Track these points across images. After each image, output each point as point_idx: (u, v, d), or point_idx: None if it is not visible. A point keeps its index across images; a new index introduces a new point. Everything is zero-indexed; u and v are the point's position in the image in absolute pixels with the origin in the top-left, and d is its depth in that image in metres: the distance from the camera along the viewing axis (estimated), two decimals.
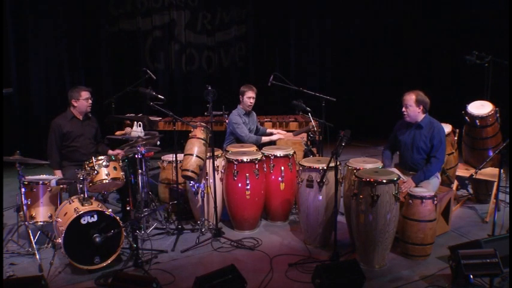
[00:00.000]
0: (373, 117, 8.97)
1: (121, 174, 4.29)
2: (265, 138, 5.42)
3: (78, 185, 3.97)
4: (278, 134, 5.58)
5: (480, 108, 4.92)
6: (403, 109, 4.31)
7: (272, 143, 5.42)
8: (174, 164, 4.62)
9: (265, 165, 4.67)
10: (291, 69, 9.21)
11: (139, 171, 4.46)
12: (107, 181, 4.18)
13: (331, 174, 4.03)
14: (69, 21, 7.86)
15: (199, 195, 4.54)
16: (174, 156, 4.60)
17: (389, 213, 3.70)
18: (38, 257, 3.93)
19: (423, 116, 4.30)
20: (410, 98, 4.26)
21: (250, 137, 5.30)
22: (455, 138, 5.08)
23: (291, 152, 4.78)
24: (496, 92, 5.38)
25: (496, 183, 4.65)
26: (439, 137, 4.25)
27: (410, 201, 3.92)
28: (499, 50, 6.02)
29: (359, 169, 4.05)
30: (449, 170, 4.95)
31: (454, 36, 7.93)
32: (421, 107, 4.25)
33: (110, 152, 4.77)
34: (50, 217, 4.16)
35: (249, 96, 5.34)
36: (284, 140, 5.39)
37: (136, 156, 4.42)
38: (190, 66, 8.86)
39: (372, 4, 9.04)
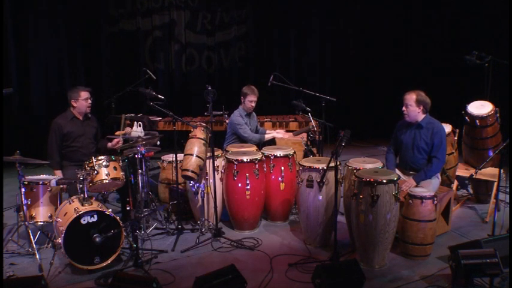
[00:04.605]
0: (373, 117, 8.98)
1: (121, 174, 4.29)
2: (268, 136, 5.42)
3: (78, 185, 3.96)
4: (278, 133, 5.59)
5: (480, 108, 4.92)
6: (403, 108, 4.32)
7: (272, 142, 5.43)
8: (174, 164, 4.62)
9: (265, 165, 4.67)
10: (291, 69, 9.21)
11: (139, 171, 4.45)
12: (107, 181, 4.18)
13: (331, 174, 4.03)
14: (69, 21, 7.86)
15: (199, 195, 4.54)
16: (174, 156, 4.61)
17: (389, 213, 3.70)
18: (38, 257, 3.93)
19: (423, 116, 4.30)
20: (411, 97, 4.26)
21: (254, 136, 5.31)
22: (455, 138, 5.08)
23: (291, 152, 4.78)
24: (496, 92, 5.38)
25: (496, 183, 4.65)
26: (439, 136, 4.25)
27: (410, 201, 3.92)
28: (499, 50, 6.03)
29: (359, 169, 4.05)
30: (449, 170, 4.95)
31: (454, 36, 7.93)
32: (421, 107, 4.25)
33: (109, 144, 4.78)
34: (50, 217, 4.16)
35: (251, 100, 5.35)
36: (284, 140, 5.39)
37: (136, 156, 4.42)
38: (190, 66, 8.86)
39: (372, 4, 9.05)
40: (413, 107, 4.25)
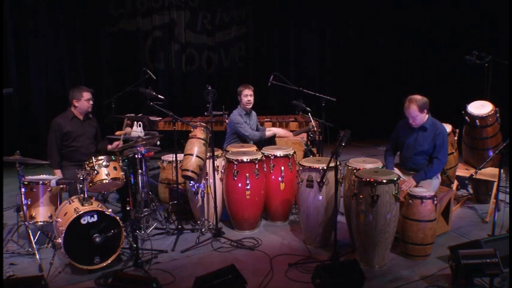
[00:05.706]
0: (373, 117, 8.98)
1: (121, 174, 4.29)
2: (268, 133, 5.41)
3: (78, 185, 3.96)
4: (279, 130, 5.58)
5: (480, 108, 4.92)
6: (410, 121, 4.26)
7: (272, 142, 5.42)
8: (174, 164, 4.62)
9: (265, 165, 4.67)
10: (291, 69, 9.22)
11: (140, 171, 4.46)
12: (107, 181, 4.18)
13: (331, 174, 4.03)
14: (69, 21, 7.87)
15: (199, 195, 4.54)
16: (174, 156, 4.61)
17: (389, 213, 3.70)
18: (38, 257, 3.93)
19: (427, 116, 4.29)
20: (413, 109, 4.20)
21: (254, 134, 5.31)
22: (455, 138, 5.07)
23: (291, 152, 4.78)
24: (496, 92, 5.38)
25: (496, 183, 4.65)
26: (441, 137, 4.25)
27: (410, 201, 3.92)
28: (499, 50, 6.02)
29: (359, 169, 4.05)
30: (449, 170, 4.95)
31: (454, 36, 7.93)
32: (425, 111, 4.24)
33: (109, 146, 4.78)
34: (50, 217, 4.16)
35: (246, 94, 5.32)
36: (284, 140, 5.39)
37: (136, 156, 4.42)
38: (190, 66, 8.87)
39: (372, 4, 9.05)
40: (419, 115, 4.22)
